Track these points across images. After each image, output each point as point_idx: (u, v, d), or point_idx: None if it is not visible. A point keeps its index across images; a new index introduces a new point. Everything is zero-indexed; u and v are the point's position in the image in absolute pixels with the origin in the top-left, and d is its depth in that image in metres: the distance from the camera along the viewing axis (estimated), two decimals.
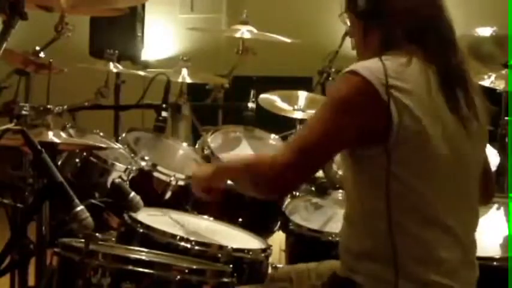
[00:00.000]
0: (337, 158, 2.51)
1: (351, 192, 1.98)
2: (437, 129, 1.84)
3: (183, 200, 2.98)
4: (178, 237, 2.31)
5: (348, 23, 2.07)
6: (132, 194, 2.44)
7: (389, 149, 1.80)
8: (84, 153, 2.88)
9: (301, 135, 1.93)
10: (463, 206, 1.92)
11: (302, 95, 3.88)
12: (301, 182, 2.12)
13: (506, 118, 3.81)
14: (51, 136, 2.34)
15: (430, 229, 1.85)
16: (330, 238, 2.66)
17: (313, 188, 3.46)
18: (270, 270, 2.51)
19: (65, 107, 3.17)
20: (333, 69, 4.44)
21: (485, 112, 2.00)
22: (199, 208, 2.95)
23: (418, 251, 1.84)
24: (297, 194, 3.18)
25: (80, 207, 1.81)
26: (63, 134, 2.42)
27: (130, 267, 1.93)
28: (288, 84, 4.13)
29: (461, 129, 1.90)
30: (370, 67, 1.83)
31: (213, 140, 3.30)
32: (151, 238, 2.33)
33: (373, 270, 1.87)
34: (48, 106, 2.56)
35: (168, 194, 2.97)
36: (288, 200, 3.07)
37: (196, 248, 2.29)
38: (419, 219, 1.85)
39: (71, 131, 3.00)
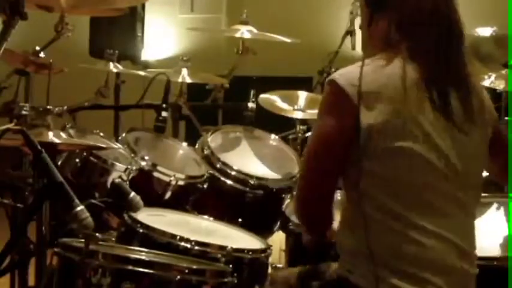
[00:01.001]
0: None
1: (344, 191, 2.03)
2: (412, 128, 1.87)
3: (183, 200, 2.98)
4: (178, 237, 2.30)
5: (359, 12, 2.13)
6: (132, 194, 2.44)
7: (362, 148, 1.87)
8: (84, 153, 2.88)
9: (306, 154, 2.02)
10: (446, 205, 1.93)
11: (302, 95, 3.88)
12: (317, 192, 1.98)
13: (506, 118, 3.81)
14: (51, 136, 2.34)
15: (407, 228, 1.88)
16: None
17: None
18: (270, 270, 2.51)
19: (65, 107, 3.18)
20: (333, 69, 4.44)
21: (485, 114, 2.01)
22: (199, 208, 2.95)
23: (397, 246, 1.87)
24: None
25: (80, 207, 1.81)
26: (63, 134, 2.42)
27: (130, 267, 1.93)
28: (288, 84, 4.13)
29: (450, 127, 1.91)
30: (346, 74, 1.93)
31: (213, 140, 3.30)
32: (151, 238, 2.32)
33: (366, 269, 1.89)
34: (48, 107, 2.56)
35: (168, 194, 2.97)
36: (288, 200, 3.07)
37: (196, 248, 2.29)
38: (393, 218, 1.88)
39: (71, 131, 2.99)
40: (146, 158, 2.99)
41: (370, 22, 2.01)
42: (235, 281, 2.11)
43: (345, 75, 1.93)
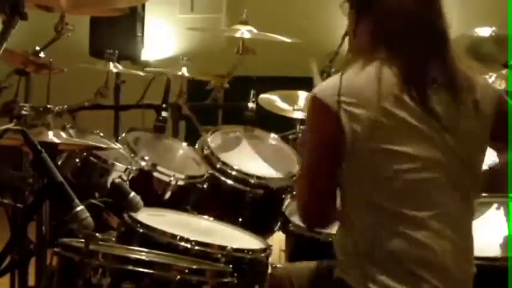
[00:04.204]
0: None
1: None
2: (394, 126, 1.88)
3: (183, 200, 2.98)
4: (178, 237, 2.31)
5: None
6: (132, 194, 2.44)
7: (349, 152, 1.89)
8: (84, 153, 2.88)
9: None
10: (445, 203, 1.91)
11: (302, 95, 3.88)
12: (318, 206, 2.00)
13: None
14: (51, 136, 2.34)
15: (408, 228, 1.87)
16: (330, 239, 2.66)
17: None
18: (269, 270, 2.51)
19: (65, 106, 3.18)
20: (333, 69, 4.44)
21: (480, 106, 1.98)
22: (199, 208, 2.95)
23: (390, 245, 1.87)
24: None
25: (80, 207, 1.81)
26: (63, 134, 2.42)
27: (130, 267, 1.93)
28: (288, 84, 4.13)
29: (434, 125, 1.90)
30: (326, 86, 1.95)
31: (213, 140, 3.30)
32: (151, 238, 2.33)
33: (363, 271, 1.88)
34: (48, 106, 2.56)
35: (168, 194, 2.97)
36: (288, 201, 3.07)
37: (196, 248, 2.29)
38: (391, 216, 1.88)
39: (71, 131, 3.00)
40: (146, 158, 2.99)
41: (357, 23, 2.02)
42: (235, 281, 2.11)
43: (324, 88, 1.95)
